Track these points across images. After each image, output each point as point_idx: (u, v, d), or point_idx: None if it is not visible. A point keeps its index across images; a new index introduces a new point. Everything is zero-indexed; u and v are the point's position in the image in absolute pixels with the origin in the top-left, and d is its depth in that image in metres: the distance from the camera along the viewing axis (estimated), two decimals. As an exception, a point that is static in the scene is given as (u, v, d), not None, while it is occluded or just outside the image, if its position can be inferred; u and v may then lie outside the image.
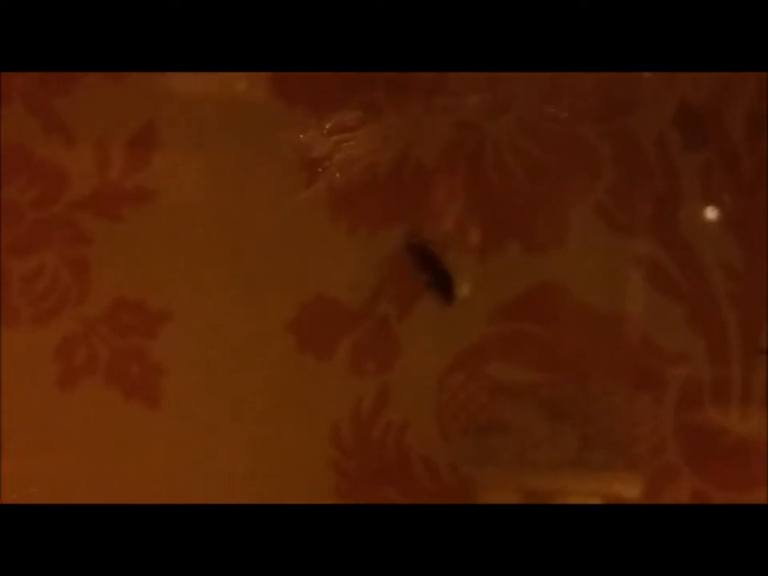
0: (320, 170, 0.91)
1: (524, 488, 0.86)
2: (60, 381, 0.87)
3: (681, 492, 0.92)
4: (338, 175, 0.92)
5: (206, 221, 0.90)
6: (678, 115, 0.89)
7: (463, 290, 0.94)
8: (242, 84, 0.90)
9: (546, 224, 0.95)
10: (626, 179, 0.95)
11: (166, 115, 0.89)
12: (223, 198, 0.91)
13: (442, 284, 0.93)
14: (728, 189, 0.93)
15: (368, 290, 0.93)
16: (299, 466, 0.91)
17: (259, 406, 0.91)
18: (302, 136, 0.90)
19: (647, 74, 0.84)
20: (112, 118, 0.88)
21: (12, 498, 0.86)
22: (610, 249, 0.94)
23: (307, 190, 0.91)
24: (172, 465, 0.89)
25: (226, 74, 0.88)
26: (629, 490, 0.85)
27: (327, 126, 0.91)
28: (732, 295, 0.92)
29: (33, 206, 0.86)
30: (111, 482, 0.89)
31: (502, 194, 0.95)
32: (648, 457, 0.91)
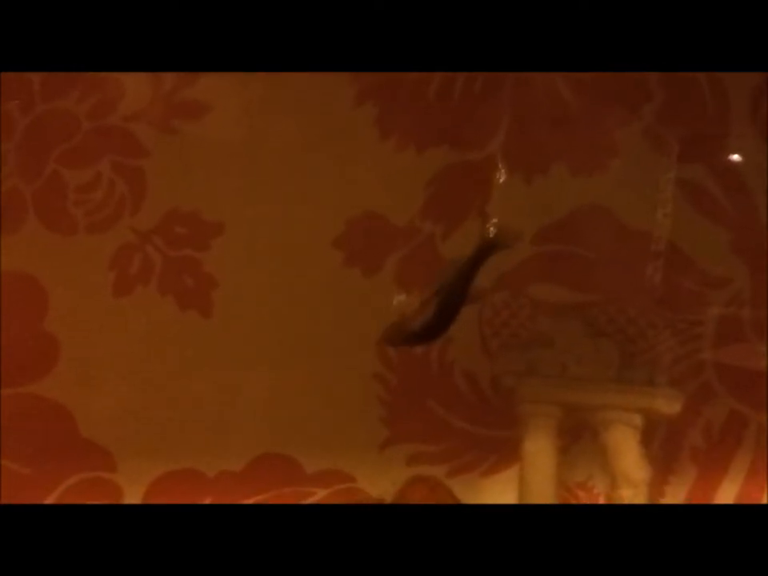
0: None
1: (565, 401, 0.87)
2: (115, 289, 0.90)
3: (718, 412, 0.94)
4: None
5: (258, 136, 0.91)
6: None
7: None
8: None
9: (592, 147, 0.96)
10: (674, 103, 0.95)
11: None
12: (270, 113, 0.91)
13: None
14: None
15: (415, 208, 0.94)
16: (345, 377, 0.94)
17: (306, 318, 0.93)
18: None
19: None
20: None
21: (69, 401, 0.89)
22: (656, 172, 0.95)
23: (356, 107, 0.92)
24: (223, 372, 0.92)
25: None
26: (668, 407, 0.86)
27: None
28: (777, 221, 0.93)
29: (88, 116, 0.87)
30: (164, 387, 0.91)
31: (549, 116, 0.95)
32: (688, 376, 0.93)
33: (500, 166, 0.94)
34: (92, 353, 0.90)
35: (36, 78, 0.85)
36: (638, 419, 0.85)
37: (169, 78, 0.88)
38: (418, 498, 0.83)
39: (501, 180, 0.93)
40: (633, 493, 0.84)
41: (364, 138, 0.92)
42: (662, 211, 0.94)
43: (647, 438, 0.86)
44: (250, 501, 0.94)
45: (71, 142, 0.87)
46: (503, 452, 0.96)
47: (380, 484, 0.93)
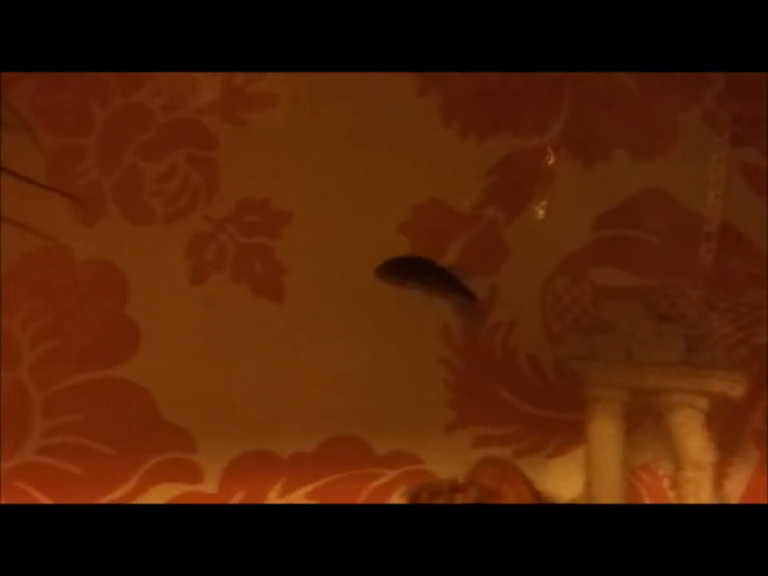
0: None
1: (630, 385, 0.88)
2: (191, 276, 0.93)
3: (780, 393, 0.94)
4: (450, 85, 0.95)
5: (324, 126, 0.93)
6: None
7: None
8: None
9: (654, 131, 0.97)
10: (735, 87, 0.95)
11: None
12: (337, 104, 0.94)
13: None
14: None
15: (477, 195, 0.96)
16: (411, 361, 0.96)
17: (374, 302, 0.95)
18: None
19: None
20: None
21: (148, 383, 0.93)
22: (717, 156, 0.95)
23: (420, 97, 0.94)
24: (294, 356, 0.94)
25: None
26: (732, 389, 0.87)
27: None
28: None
29: (163, 110, 0.90)
30: (238, 371, 0.94)
31: (609, 100, 0.96)
32: (750, 359, 0.93)
33: (549, 150, 0.95)
34: (171, 338, 0.92)
35: (113, 75, 0.89)
36: (702, 402, 0.86)
37: (239, 72, 0.91)
38: (488, 478, 0.84)
39: (550, 162, 0.94)
40: (698, 475, 0.85)
41: (427, 126, 0.94)
42: (714, 193, 0.95)
43: (711, 421, 0.87)
44: (322, 482, 0.97)
45: (147, 135, 0.90)
46: (567, 434, 0.97)
47: (447, 466, 0.95)
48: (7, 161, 0.78)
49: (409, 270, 0.91)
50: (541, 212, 0.85)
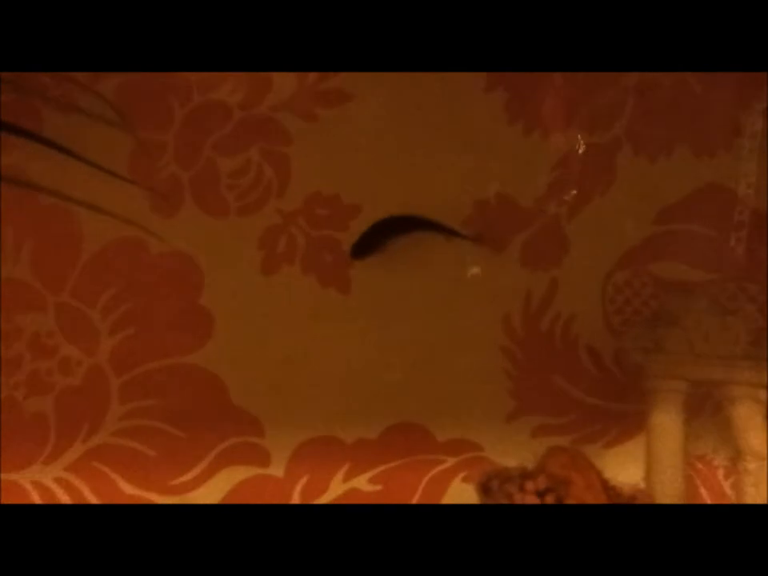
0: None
1: (692, 377, 0.89)
2: (263, 267, 0.95)
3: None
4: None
5: (391, 123, 0.95)
6: None
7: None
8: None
9: (716, 127, 0.97)
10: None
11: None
12: (406, 100, 0.96)
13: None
14: None
15: (541, 190, 0.97)
16: (472, 349, 0.98)
17: (438, 293, 0.97)
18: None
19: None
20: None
21: (220, 369, 0.96)
22: (778, 151, 0.96)
23: (487, 93, 0.96)
24: (360, 345, 0.97)
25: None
26: (793, 382, 0.88)
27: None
28: None
29: (239, 107, 0.93)
30: (307, 359, 0.97)
31: (673, 97, 0.97)
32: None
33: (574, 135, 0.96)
34: (243, 327, 0.95)
35: (193, 74, 0.91)
36: (763, 394, 0.87)
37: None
38: (557, 466, 0.85)
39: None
40: (758, 465, 0.86)
41: (493, 122, 0.96)
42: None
43: (771, 413, 0.87)
44: (384, 467, 0.99)
45: (224, 131, 0.93)
46: (625, 424, 0.99)
47: (507, 454, 0.97)
48: (92, 152, 0.81)
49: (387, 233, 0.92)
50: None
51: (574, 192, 0.97)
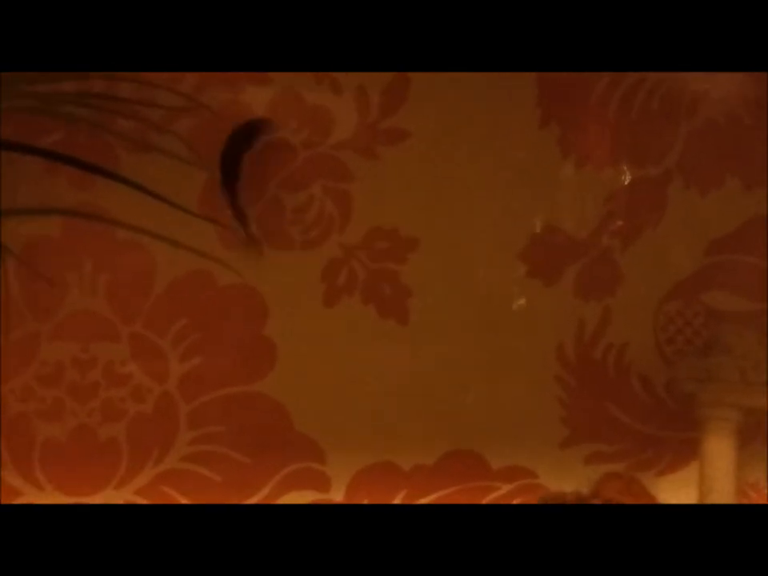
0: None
1: (743, 405, 0.91)
2: (325, 299, 0.99)
3: None
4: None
5: (447, 159, 0.98)
6: None
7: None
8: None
9: (765, 160, 1.00)
10: None
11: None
12: (463, 137, 0.99)
13: None
14: None
15: (593, 222, 1.00)
16: (527, 378, 1.01)
17: (493, 324, 1.00)
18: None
19: None
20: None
21: (283, 397, 0.99)
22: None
23: (541, 129, 0.99)
24: (417, 375, 1.00)
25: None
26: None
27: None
28: None
29: (303, 146, 0.96)
30: (366, 387, 1.00)
31: (723, 132, 1.00)
32: None
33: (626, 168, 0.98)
34: (305, 356, 0.98)
35: (260, 112, 0.95)
36: (814, 422, 0.89)
37: (374, 108, 0.97)
38: (613, 492, 0.87)
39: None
40: (808, 494, 0.88)
41: (547, 157, 0.99)
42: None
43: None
44: (440, 493, 1.02)
45: (289, 169, 0.96)
46: (678, 452, 1.01)
47: (561, 480, 0.99)
48: (165, 189, 0.85)
49: None
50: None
51: (626, 224, 1.00)
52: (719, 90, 0.99)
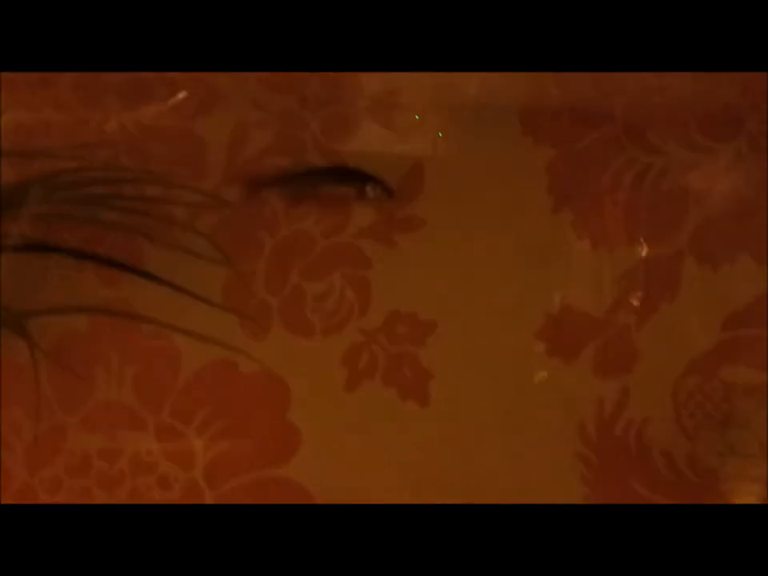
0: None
1: (765, 478, 0.91)
2: (347, 383, 1.00)
3: None
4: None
5: (463, 244, 1.01)
6: None
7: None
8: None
9: (774, 237, 1.01)
10: None
11: (428, 152, 1.01)
12: (477, 222, 1.01)
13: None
14: None
15: (609, 301, 1.01)
16: (549, 457, 1.01)
17: (513, 404, 1.01)
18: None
19: None
20: (385, 158, 1.00)
21: (307, 481, 1.00)
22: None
23: (554, 214, 1.01)
24: (439, 453, 1.01)
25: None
26: None
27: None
28: None
29: (323, 235, 0.99)
30: (389, 471, 1.01)
31: (733, 208, 1.01)
32: None
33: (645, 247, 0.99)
34: (329, 440, 1.00)
35: (280, 205, 0.99)
36: (837, 493, 0.89)
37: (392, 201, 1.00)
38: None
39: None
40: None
41: (561, 240, 1.01)
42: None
43: None
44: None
45: (309, 258, 0.99)
46: (703, 527, 1.00)
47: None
48: (189, 282, 0.88)
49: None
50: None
51: (642, 301, 1.01)
52: (726, 168, 1.01)
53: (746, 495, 0.92)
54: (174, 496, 0.98)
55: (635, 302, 1.01)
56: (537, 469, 1.01)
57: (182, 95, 0.97)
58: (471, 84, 0.96)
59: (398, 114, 1.01)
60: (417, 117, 1.00)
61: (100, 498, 0.98)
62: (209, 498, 0.99)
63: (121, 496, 0.98)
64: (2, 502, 0.95)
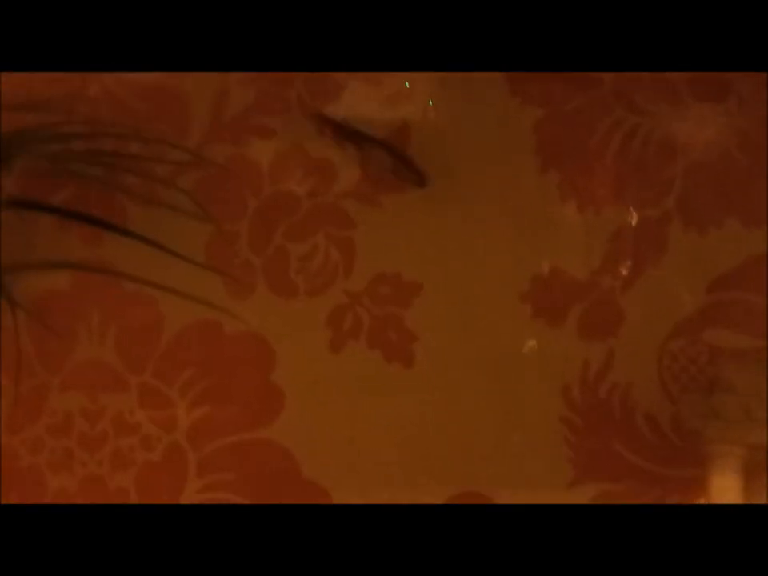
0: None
1: (749, 442, 0.91)
2: (331, 345, 1.00)
3: None
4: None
5: (451, 205, 1.00)
6: None
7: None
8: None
9: (762, 200, 1.00)
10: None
11: (417, 116, 1.00)
12: (464, 183, 1.00)
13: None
14: None
15: (595, 264, 1.01)
16: (533, 420, 1.01)
17: (498, 366, 1.01)
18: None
19: None
20: (371, 119, 0.99)
21: (291, 444, 1.00)
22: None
23: (540, 175, 1.00)
24: (423, 417, 1.01)
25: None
26: None
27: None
28: None
29: (307, 196, 0.98)
30: (374, 431, 1.01)
31: (722, 171, 1.01)
32: None
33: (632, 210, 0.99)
34: (312, 401, 1.00)
35: (264, 165, 0.98)
36: (820, 458, 0.88)
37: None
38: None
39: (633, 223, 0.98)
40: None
41: (547, 201, 1.00)
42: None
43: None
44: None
45: (293, 218, 0.98)
46: (685, 490, 1.00)
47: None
48: (172, 242, 0.87)
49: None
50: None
51: (628, 264, 1.01)
52: (714, 133, 1.00)
53: (728, 458, 0.91)
54: (155, 457, 0.98)
55: (621, 265, 1.01)
56: (521, 431, 1.01)
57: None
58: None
59: (387, 78, 0.99)
60: (407, 83, 0.98)
61: (80, 458, 0.97)
62: (192, 461, 0.98)
63: (103, 455, 0.97)
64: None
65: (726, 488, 0.91)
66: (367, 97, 0.99)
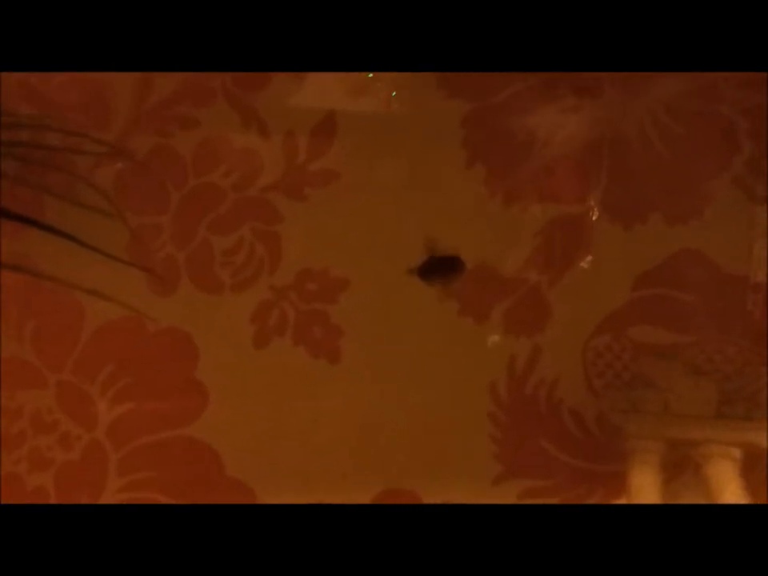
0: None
1: (668, 437, 0.92)
2: (255, 340, 0.99)
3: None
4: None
5: (374, 200, 1.00)
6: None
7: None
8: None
9: (687, 196, 1.02)
10: (763, 153, 1.01)
11: (344, 107, 0.99)
12: (390, 177, 1.00)
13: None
14: None
15: (521, 259, 1.01)
16: (460, 416, 1.01)
17: (424, 363, 1.01)
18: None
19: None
20: (298, 111, 0.98)
21: (215, 441, 0.98)
22: (747, 219, 1.00)
23: (467, 169, 1.00)
24: (349, 414, 1.00)
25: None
26: (766, 440, 0.91)
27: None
28: None
29: (233, 188, 0.97)
30: (299, 428, 1.00)
31: (645, 168, 1.02)
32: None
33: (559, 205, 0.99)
34: (236, 399, 0.98)
35: (189, 157, 0.96)
36: (737, 452, 0.90)
37: (302, 150, 0.97)
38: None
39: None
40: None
41: (474, 196, 1.00)
42: (757, 249, 0.99)
43: (747, 470, 0.90)
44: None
45: (218, 211, 0.97)
46: (610, 485, 1.01)
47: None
48: (92, 238, 0.85)
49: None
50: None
51: (554, 260, 1.01)
52: (638, 130, 1.01)
53: (647, 453, 0.93)
54: (75, 456, 0.96)
55: (547, 261, 1.01)
56: (446, 428, 1.01)
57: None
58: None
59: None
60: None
61: (-2, 458, 0.94)
62: (112, 460, 0.96)
63: (21, 454, 0.95)
64: None
65: (644, 483, 0.92)
66: (295, 87, 0.98)
